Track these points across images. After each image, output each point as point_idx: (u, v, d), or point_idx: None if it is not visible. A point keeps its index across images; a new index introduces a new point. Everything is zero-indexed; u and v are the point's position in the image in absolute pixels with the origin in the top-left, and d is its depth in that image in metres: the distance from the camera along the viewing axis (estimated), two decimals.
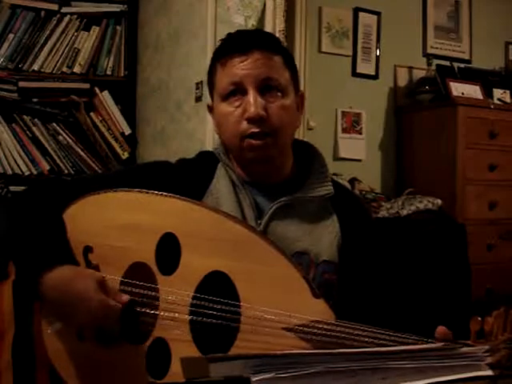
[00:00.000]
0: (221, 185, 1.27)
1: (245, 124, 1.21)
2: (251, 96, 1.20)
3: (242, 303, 1.03)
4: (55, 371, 1.26)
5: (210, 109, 1.35)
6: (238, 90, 1.22)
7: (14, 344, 1.45)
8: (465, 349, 0.74)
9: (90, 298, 1.05)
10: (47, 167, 3.21)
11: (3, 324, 1.46)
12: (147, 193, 1.16)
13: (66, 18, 3.29)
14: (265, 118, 1.20)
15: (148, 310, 1.11)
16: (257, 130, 1.20)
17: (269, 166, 1.27)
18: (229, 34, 1.32)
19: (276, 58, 1.25)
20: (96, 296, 1.05)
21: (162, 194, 1.14)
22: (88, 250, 1.19)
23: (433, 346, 0.75)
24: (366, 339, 0.95)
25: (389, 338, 0.95)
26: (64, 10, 3.30)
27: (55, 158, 3.23)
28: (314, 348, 0.97)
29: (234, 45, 1.25)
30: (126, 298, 1.09)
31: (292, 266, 1.04)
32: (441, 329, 1.00)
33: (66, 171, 3.24)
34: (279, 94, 1.23)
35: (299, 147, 1.35)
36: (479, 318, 0.99)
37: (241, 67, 1.22)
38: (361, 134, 3.62)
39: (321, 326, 0.98)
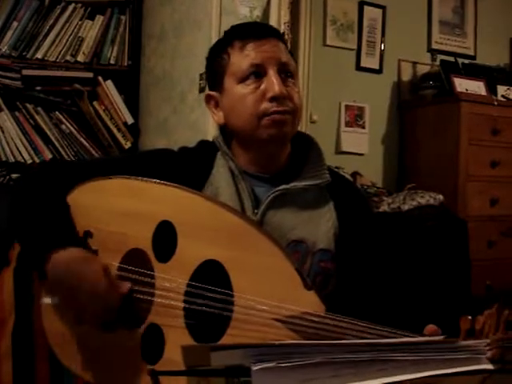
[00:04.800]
0: (220, 174, 1.28)
1: (266, 103, 1.23)
2: (273, 76, 1.24)
3: (235, 292, 1.04)
4: (55, 358, 1.27)
5: (210, 98, 1.34)
6: (255, 73, 1.24)
7: (14, 331, 1.46)
8: (465, 342, 0.74)
9: (97, 281, 1.07)
10: (49, 156, 3.20)
11: (3, 312, 1.47)
12: (146, 181, 1.17)
13: (71, 7, 3.28)
14: (286, 96, 1.24)
15: (144, 296, 1.12)
16: (280, 109, 1.23)
17: (280, 147, 1.29)
18: (234, 26, 1.35)
19: (286, 47, 1.32)
20: (103, 280, 1.07)
21: (160, 183, 1.16)
22: (88, 234, 1.20)
23: (433, 338, 0.76)
24: (354, 333, 0.96)
25: (377, 332, 0.95)
26: None
27: (58, 146, 3.22)
28: (303, 339, 0.98)
29: (251, 30, 1.30)
30: (127, 286, 1.11)
31: (285, 258, 1.04)
32: (430, 327, 1.00)
33: (69, 160, 3.24)
34: (293, 79, 1.28)
35: (296, 137, 1.36)
36: (469, 317, 0.99)
37: (261, 50, 1.25)
38: (364, 128, 3.62)
39: (310, 317, 0.99)
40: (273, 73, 1.24)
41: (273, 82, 1.23)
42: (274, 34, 1.31)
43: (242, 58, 1.26)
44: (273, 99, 1.22)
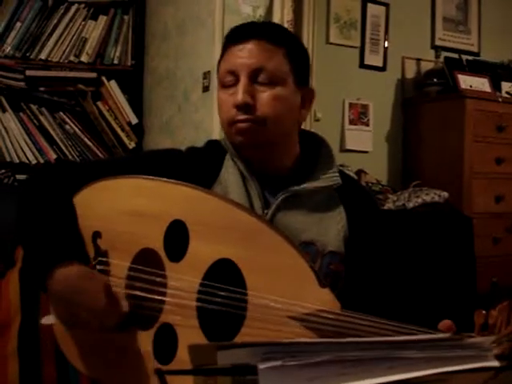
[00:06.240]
0: (229, 175, 1.27)
1: (234, 111, 1.23)
2: (241, 84, 1.22)
3: (248, 291, 1.03)
4: (61, 357, 1.27)
5: None
6: (233, 79, 1.24)
7: (21, 332, 1.46)
8: (472, 339, 0.74)
9: (97, 299, 1.07)
10: (54, 156, 3.21)
11: (10, 312, 1.47)
12: (157, 180, 1.16)
13: (74, 7, 3.28)
14: (251, 105, 1.22)
15: (156, 296, 1.11)
16: (243, 117, 1.22)
17: (260, 153, 1.27)
18: (230, 28, 1.34)
19: (274, 48, 1.25)
20: (102, 298, 1.07)
21: (171, 181, 1.15)
22: (97, 235, 1.20)
23: (440, 336, 0.75)
24: (370, 329, 0.95)
25: (393, 328, 0.94)
26: None
27: (62, 147, 3.23)
28: (318, 337, 0.97)
29: (234, 34, 1.28)
30: (125, 307, 1.12)
31: (299, 256, 1.03)
32: (445, 322, 1.00)
33: (74, 160, 3.24)
34: (272, 84, 1.23)
35: (306, 138, 1.35)
36: (483, 312, 0.99)
37: (237, 56, 1.24)
38: (368, 125, 3.61)
39: (326, 315, 0.98)
40: (242, 80, 1.22)
41: (238, 91, 1.22)
42: (259, 35, 1.25)
43: (222, 63, 1.27)
44: (237, 107, 1.22)
